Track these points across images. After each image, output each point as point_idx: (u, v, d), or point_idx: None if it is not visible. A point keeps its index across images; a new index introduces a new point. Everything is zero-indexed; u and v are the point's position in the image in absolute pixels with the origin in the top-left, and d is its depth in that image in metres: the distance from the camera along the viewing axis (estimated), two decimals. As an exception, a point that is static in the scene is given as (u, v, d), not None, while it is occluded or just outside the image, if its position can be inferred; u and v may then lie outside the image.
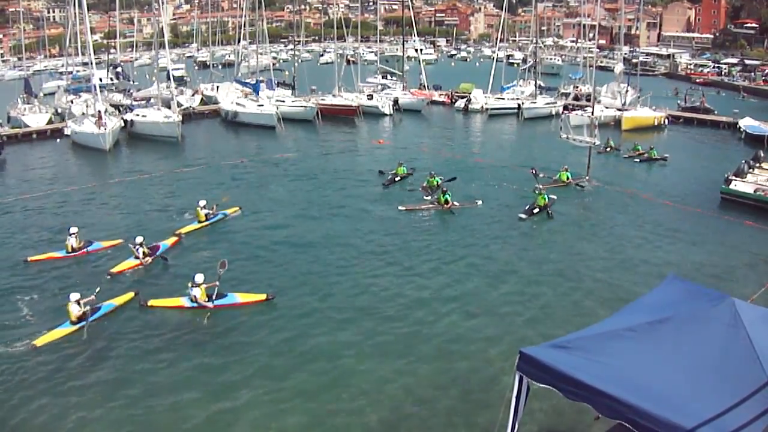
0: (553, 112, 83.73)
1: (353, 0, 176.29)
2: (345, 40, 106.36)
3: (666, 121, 78.62)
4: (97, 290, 27.09)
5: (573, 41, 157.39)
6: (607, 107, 79.19)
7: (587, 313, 25.73)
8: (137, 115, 68.12)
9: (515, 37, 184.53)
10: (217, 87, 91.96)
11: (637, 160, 57.53)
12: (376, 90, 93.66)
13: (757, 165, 48.23)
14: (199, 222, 37.58)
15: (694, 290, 15.94)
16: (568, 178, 47.81)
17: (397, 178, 48.23)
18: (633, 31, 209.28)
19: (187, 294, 27.29)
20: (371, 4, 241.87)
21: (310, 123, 75.03)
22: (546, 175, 47.39)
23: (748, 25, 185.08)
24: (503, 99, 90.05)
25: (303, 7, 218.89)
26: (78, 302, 25.97)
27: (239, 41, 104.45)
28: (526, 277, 30.47)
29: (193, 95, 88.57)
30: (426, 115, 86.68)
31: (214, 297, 27.19)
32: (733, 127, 74.59)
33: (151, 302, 27.01)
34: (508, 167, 53.82)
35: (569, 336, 14.63)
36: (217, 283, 27.61)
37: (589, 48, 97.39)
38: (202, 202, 38.13)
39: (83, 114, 67.72)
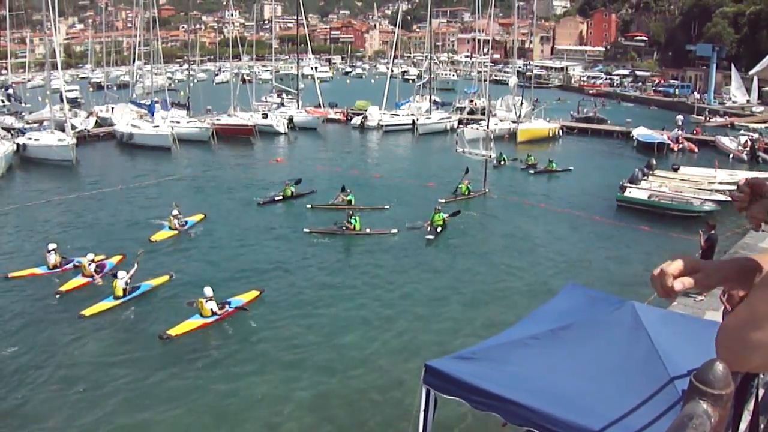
0: (449, 127, 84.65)
1: (248, 19, 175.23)
2: (240, 59, 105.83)
3: (560, 132, 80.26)
4: (134, 268, 30.04)
5: (468, 56, 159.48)
6: (502, 120, 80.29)
7: (490, 324, 25.75)
8: (30, 138, 65.93)
9: (410, 53, 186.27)
10: (112, 108, 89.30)
11: (532, 171, 58.54)
12: (271, 109, 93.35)
13: (651, 172, 49.55)
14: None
15: (594, 296, 16.13)
16: (469, 191, 48.23)
17: (277, 198, 47.52)
18: (527, 45, 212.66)
19: (197, 312, 27.32)
20: (266, 22, 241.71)
21: (206, 143, 74.01)
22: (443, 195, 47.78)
23: (638, 38, 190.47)
24: (398, 115, 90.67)
25: (198, 26, 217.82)
26: (122, 278, 29.13)
27: (134, 61, 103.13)
28: (428, 295, 30.37)
29: (87, 117, 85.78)
30: (322, 132, 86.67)
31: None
32: (626, 136, 76.70)
33: (173, 332, 26.17)
34: (406, 182, 54.28)
35: (474, 347, 14.65)
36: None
37: (484, 62, 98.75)
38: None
39: (-28, 139, 65.95)
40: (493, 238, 39.45)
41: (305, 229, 39.74)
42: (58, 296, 30.23)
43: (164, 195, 49.87)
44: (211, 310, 26.97)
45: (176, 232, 39.89)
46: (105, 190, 52.37)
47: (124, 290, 29.15)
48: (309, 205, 45.63)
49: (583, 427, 11.00)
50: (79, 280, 31.54)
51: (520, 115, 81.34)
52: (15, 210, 46.39)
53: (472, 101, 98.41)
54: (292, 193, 48.12)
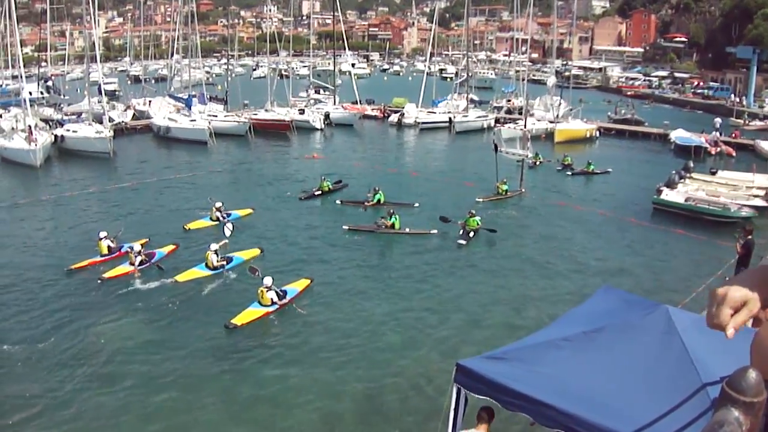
0: (485, 126, 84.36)
1: (286, 14, 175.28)
2: (278, 54, 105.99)
3: (597, 133, 79.73)
4: (222, 243, 32.95)
5: (506, 55, 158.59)
6: (539, 120, 79.86)
7: (522, 326, 25.79)
8: (68, 130, 66.71)
9: (448, 51, 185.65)
10: (150, 102, 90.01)
11: (570, 173, 58.20)
12: (308, 104, 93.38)
13: (688, 175, 49.04)
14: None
15: (628, 299, 16.05)
16: (506, 192, 48.01)
17: (317, 192, 47.57)
18: (565, 45, 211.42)
19: (257, 301, 27.92)
20: (305, 18, 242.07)
21: (242, 138, 74.21)
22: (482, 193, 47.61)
23: (678, 39, 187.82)
24: (435, 113, 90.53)
25: (236, 21, 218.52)
26: (216, 252, 31.91)
27: (172, 55, 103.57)
28: (462, 296, 30.30)
29: (125, 110, 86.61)
30: (358, 129, 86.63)
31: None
32: (663, 139, 75.83)
33: (238, 321, 26.74)
34: (443, 180, 54.38)
35: (505, 347, 14.64)
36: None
37: (522, 62, 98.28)
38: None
39: (12, 129, 65.94)
40: (529, 239, 39.26)
41: (344, 227, 39.46)
42: (99, 282, 30.91)
43: (201, 188, 50.39)
44: (271, 299, 27.52)
45: (215, 222, 40.31)
46: (142, 182, 52.92)
47: (217, 262, 31.87)
48: (338, 201, 45.88)
49: (613, 431, 10.98)
50: (124, 268, 32.23)
51: (557, 115, 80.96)
52: (54, 200, 47.04)
53: (509, 100, 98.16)
54: (328, 187, 48.19)
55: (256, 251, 34.95)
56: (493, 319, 27.62)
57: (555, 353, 13.46)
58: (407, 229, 39.26)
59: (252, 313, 27.10)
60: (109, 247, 33.94)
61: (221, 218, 40.29)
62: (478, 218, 38.70)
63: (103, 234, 34.41)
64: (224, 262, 32.18)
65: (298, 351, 24.53)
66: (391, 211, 39.55)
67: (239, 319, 26.47)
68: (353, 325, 27.03)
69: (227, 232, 35.41)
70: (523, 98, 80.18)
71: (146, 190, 50.33)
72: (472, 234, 37.98)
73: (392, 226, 38.79)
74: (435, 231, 39.27)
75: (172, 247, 35.57)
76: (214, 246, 32.19)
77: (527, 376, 12.80)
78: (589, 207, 46.46)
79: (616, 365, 12.68)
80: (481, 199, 46.11)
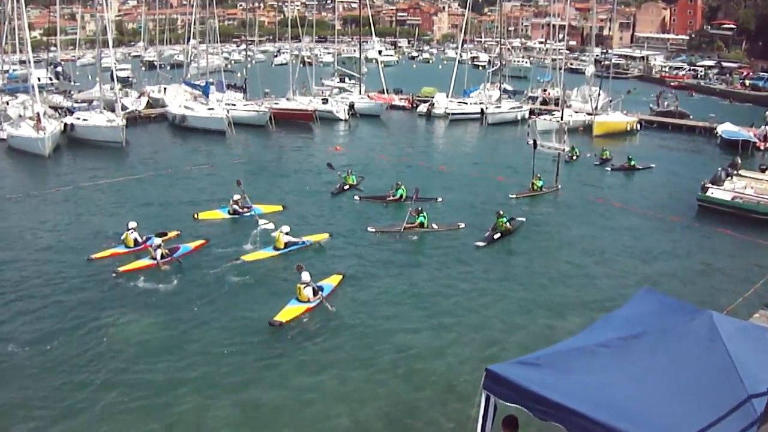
0: (519, 117, 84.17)
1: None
2: (300, 41, 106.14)
3: (639, 126, 79.30)
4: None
5: (542, 42, 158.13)
6: (576, 111, 79.60)
7: (556, 330, 25.70)
8: (78, 118, 66.74)
9: (481, 37, 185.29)
10: (165, 89, 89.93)
11: (609, 168, 57.93)
12: (332, 94, 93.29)
13: (735, 172, 48.49)
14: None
15: (669, 303, 15.95)
16: (541, 188, 47.89)
17: (345, 187, 47.40)
18: (605, 32, 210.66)
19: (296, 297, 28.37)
20: (329, 2, 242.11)
21: (262, 128, 74.37)
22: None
23: (726, 25, 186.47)
24: (466, 103, 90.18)
25: (257, 4, 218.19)
26: (287, 233, 34.33)
27: (189, 40, 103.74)
28: (492, 296, 30.16)
29: (138, 97, 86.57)
30: (385, 120, 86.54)
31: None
32: (709, 132, 75.15)
33: (281, 318, 26.92)
34: (474, 174, 54.30)
35: (538, 353, 14.56)
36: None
37: (559, 49, 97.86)
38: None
39: (20, 116, 66.12)
40: (564, 238, 39.01)
41: (369, 228, 38.78)
42: (114, 275, 31.04)
43: (219, 180, 50.38)
44: (308, 296, 27.92)
45: (232, 215, 40.66)
46: (156, 173, 53.19)
47: (286, 244, 34.26)
48: (357, 197, 45.64)
49: (652, 443, 10.91)
50: (143, 262, 32.45)
51: (596, 106, 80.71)
52: (64, 191, 47.10)
53: (545, 90, 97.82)
54: (353, 181, 48.15)
55: (325, 235, 36.90)
56: (526, 322, 27.45)
57: (591, 360, 13.40)
58: (434, 226, 39.06)
59: (293, 310, 27.43)
60: (135, 240, 34.21)
61: (239, 211, 40.59)
62: (505, 218, 38.04)
63: (132, 224, 34.69)
64: (296, 242, 34.71)
65: (326, 352, 24.62)
66: (420, 208, 39.19)
67: (283, 316, 26.77)
68: (382, 325, 27.05)
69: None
70: (559, 88, 79.74)
71: (161, 182, 50.46)
72: (497, 236, 37.38)
73: (421, 225, 38.51)
74: (463, 225, 39.34)
75: (200, 242, 35.58)
76: (285, 228, 34.67)
77: (561, 384, 12.74)
78: (630, 205, 46.13)
79: (655, 374, 12.61)
80: (514, 196, 46.11)
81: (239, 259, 32.72)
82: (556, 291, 30.79)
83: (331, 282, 30.18)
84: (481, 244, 36.70)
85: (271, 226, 38.12)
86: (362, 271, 32.83)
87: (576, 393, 12.40)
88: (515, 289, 31.04)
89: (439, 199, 44.91)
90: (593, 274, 32.99)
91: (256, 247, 35.02)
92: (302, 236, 35.56)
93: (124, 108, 70.98)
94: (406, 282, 31.58)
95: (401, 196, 44.21)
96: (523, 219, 40.28)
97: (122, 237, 34.55)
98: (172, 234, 36.14)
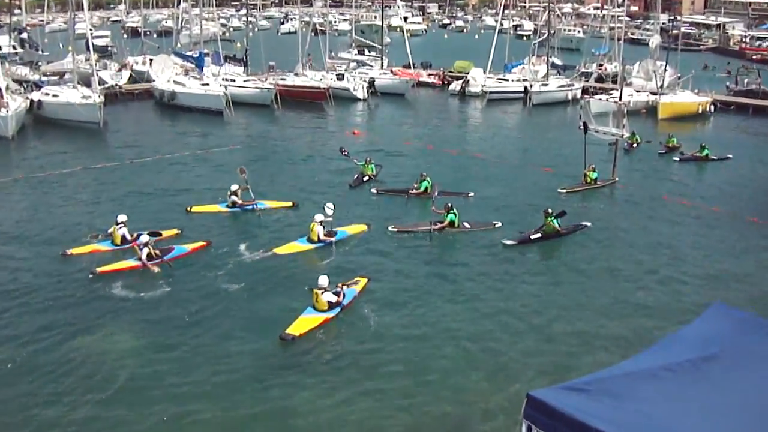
0: (570, 97, 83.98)
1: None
2: (312, 5, 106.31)
3: (712, 108, 78.81)
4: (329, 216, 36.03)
5: (597, 8, 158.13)
6: (638, 91, 79.31)
7: (612, 349, 25.64)
8: (47, 94, 66.91)
9: (525, 2, 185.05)
10: (151, 61, 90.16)
11: (677, 158, 57.56)
12: (349, 68, 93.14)
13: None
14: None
15: (747, 320, 15.91)
16: (596, 180, 47.74)
17: (365, 178, 47.46)
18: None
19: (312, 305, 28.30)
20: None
21: (267, 108, 74.67)
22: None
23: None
24: (507, 80, 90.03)
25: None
26: (321, 223, 35.32)
27: (179, 3, 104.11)
28: (535, 308, 29.96)
29: (119, 70, 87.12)
30: (411, 100, 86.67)
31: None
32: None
33: (294, 330, 26.82)
34: (515, 165, 54.41)
35: (589, 377, 14.50)
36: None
37: (618, 16, 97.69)
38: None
39: (-22, 91, 66.79)
40: (622, 241, 38.80)
41: (391, 228, 38.53)
42: (91, 276, 31.16)
43: (215, 169, 50.69)
44: (328, 302, 27.73)
45: (231, 209, 40.78)
46: (141, 159, 53.40)
47: (323, 236, 35.33)
48: (374, 190, 45.67)
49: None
50: (126, 263, 32.48)
51: (662, 84, 79.77)
52: (30, 179, 47.31)
53: (601, 65, 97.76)
54: (372, 171, 48.11)
55: (363, 227, 38.17)
56: (575, 339, 27.29)
57: (653, 386, 13.35)
58: (466, 225, 38.97)
59: (308, 321, 27.28)
60: (124, 237, 34.22)
61: (239, 205, 40.61)
62: (555, 219, 37.50)
63: (122, 218, 34.68)
64: (330, 237, 35.64)
65: (344, 371, 24.52)
66: (449, 205, 38.88)
67: (296, 329, 26.59)
68: (407, 338, 27.03)
69: (329, 211, 36.64)
70: (618, 63, 79.63)
71: (145, 170, 50.61)
72: (536, 236, 37.13)
73: (451, 224, 38.24)
74: (499, 224, 39.22)
75: (200, 243, 35.37)
76: (319, 217, 35.57)
77: (616, 414, 12.68)
78: (700, 202, 45.82)
79: (730, 402, 12.58)
80: (564, 190, 46.02)
81: (270, 252, 34.05)
82: (611, 304, 30.55)
83: (354, 286, 30.05)
84: (509, 242, 36.73)
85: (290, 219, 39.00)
86: (385, 276, 32.78)
87: (634, 426, 12.35)
88: (560, 300, 30.86)
89: (471, 194, 44.93)
90: (655, 285, 32.68)
91: (265, 246, 35.02)
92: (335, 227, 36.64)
93: (101, 83, 71.29)
94: (434, 291, 31.48)
95: (426, 189, 44.03)
96: (589, 224, 39.70)
97: (109, 231, 34.69)
98: (170, 233, 36.31)
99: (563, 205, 40.96)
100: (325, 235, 35.19)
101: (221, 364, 24.45)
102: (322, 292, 27.61)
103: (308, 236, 35.32)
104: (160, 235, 34.99)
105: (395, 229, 38.54)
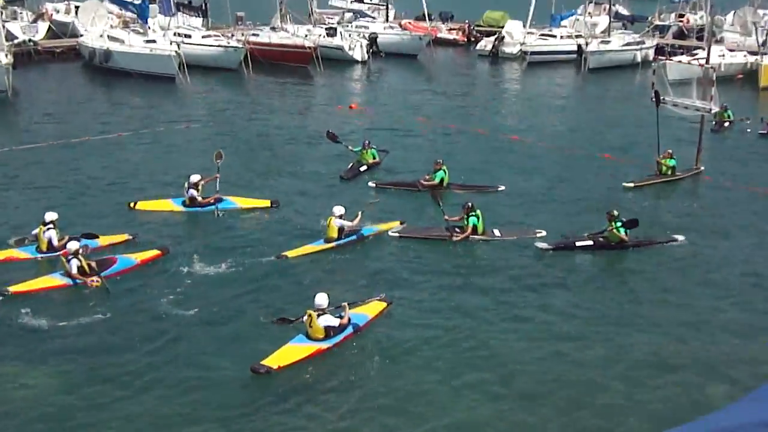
0: (640, 59, 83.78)
1: None
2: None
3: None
4: (361, 213, 37.38)
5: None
6: (732, 50, 79.05)
7: (697, 397, 25.44)
8: (-62, 54, 66.81)
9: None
10: (77, 8, 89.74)
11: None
12: (343, 21, 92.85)
13: None
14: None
15: None
16: (673, 170, 47.13)
17: (362, 168, 47.26)
18: None
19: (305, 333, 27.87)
20: None
21: (234, 73, 74.68)
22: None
23: None
24: (554, 37, 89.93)
25: None
26: (341, 217, 36.87)
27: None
28: (587, 340, 29.50)
29: (34, 21, 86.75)
30: (425, 63, 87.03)
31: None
32: None
33: (272, 362, 26.51)
34: (564, 149, 54.30)
35: (669, 432, 14.38)
36: None
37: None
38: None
39: None
40: (708, 252, 38.17)
41: (392, 232, 38.35)
42: (1, 298, 30.38)
43: (166, 153, 50.61)
44: (326, 328, 27.20)
45: (194, 208, 40.06)
46: (63, 141, 52.80)
47: (339, 233, 36.84)
48: (372, 183, 45.38)
49: None
50: (50, 280, 31.84)
51: (765, 41, 79.41)
52: None
53: (681, 16, 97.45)
54: (373, 158, 48.04)
55: (395, 222, 39.07)
56: (646, 382, 26.78)
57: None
58: (497, 232, 38.36)
59: (294, 351, 26.85)
60: (50, 241, 33.69)
61: (199, 202, 39.78)
62: (623, 229, 36.83)
63: (50, 217, 34.08)
64: (355, 230, 37.40)
65: (340, 419, 24.07)
66: (469, 204, 38.19)
67: (276, 360, 26.09)
68: (422, 383, 26.45)
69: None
70: (705, 12, 79.46)
71: (71, 154, 50.26)
72: (586, 243, 37.00)
73: (474, 230, 37.76)
74: (543, 232, 38.40)
75: (153, 252, 34.69)
76: (338, 210, 36.95)
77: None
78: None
79: None
80: (631, 184, 45.67)
81: (282, 256, 34.85)
82: (689, 336, 30.09)
83: (366, 311, 29.57)
84: (543, 245, 36.57)
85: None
86: (390, 295, 32.08)
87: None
88: (619, 329, 30.37)
89: (501, 188, 44.48)
90: (754, 316, 31.94)
91: (236, 255, 34.70)
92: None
93: (10, 38, 70.90)
94: (456, 318, 31.02)
95: (442, 181, 43.60)
96: (683, 238, 38.69)
97: (34, 233, 34.24)
98: (117, 238, 35.71)
99: (630, 202, 40.79)
100: (346, 234, 36.51)
101: (172, 404, 24.05)
102: (319, 315, 27.02)
103: (325, 235, 36.48)
104: (96, 237, 34.37)
105: (397, 234, 38.32)
